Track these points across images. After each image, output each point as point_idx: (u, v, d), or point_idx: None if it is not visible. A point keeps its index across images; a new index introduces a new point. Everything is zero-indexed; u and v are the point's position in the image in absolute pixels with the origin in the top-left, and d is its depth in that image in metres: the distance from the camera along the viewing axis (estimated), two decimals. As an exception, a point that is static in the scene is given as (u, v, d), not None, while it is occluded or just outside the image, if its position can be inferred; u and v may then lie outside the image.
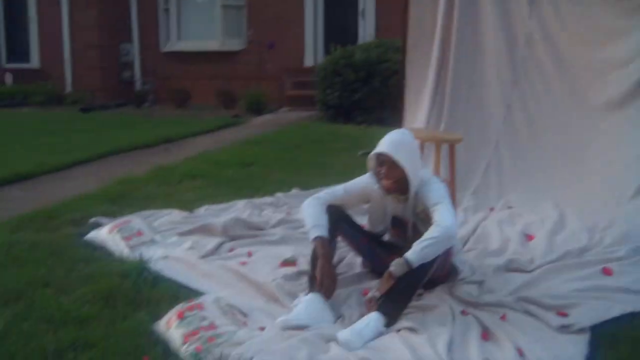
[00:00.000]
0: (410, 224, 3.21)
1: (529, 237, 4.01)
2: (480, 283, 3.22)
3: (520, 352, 2.50)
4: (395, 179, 3.08)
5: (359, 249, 3.47)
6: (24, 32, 14.61)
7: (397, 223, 3.31)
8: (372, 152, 3.14)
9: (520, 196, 4.72)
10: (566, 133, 4.83)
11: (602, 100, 4.70)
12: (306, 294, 2.99)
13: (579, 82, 4.86)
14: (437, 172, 4.20)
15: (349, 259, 3.61)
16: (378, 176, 3.16)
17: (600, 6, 4.71)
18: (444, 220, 2.90)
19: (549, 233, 3.99)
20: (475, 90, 5.33)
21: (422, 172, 3.17)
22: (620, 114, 4.59)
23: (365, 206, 3.51)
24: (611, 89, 4.66)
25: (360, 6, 12.61)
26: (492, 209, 4.61)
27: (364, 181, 3.32)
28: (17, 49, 14.78)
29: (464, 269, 3.34)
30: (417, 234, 3.03)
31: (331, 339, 2.65)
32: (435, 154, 4.35)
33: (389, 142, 3.08)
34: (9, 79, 14.44)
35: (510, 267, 3.48)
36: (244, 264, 3.57)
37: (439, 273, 3.09)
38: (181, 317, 2.76)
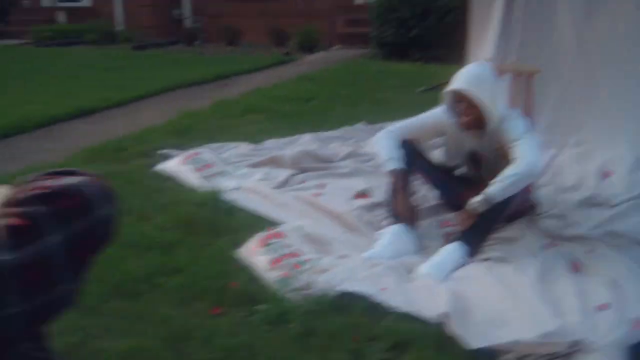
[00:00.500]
0: (487, 160, 3.13)
1: (606, 174, 3.89)
2: (562, 217, 3.15)
3: (613, 283, 2.45)
4: (473, 115, 2.96)
5: (434, 183, 3.42)
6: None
7: (474, 158, 3.23)
8: (450, 88, 3.02)
9: (594, 135, 4.57)
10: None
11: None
12: (388, 225, 2.98)
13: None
14: (515, 105, 4.08)
15: (424, 192, 3.57)
16: (455, 113, 3.05)
17: None
18: (527, 155, 2.81)
19: (628, 170, 3.86)
20: (547, 24, 5.11)
21: (501, 106, 3.05)
22: None
23: (440, 140, 3.44)
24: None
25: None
26: (564, 146, 4.48)
27: (438, 115, 3.21)
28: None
29: (543, 203, 3.27)
30: (494, 169, 2.96)
31: (415, 269, 2.65)
32: (513, 86, 4.22)
33: (468, 77, 2.95)
34: (62, 17, 14.53)
35: (592, 202, 3.40)
36: (318, 195, 3.57)
37: (519, 207, 3.04)
38: (264, 244, 2.78)
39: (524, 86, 4.29)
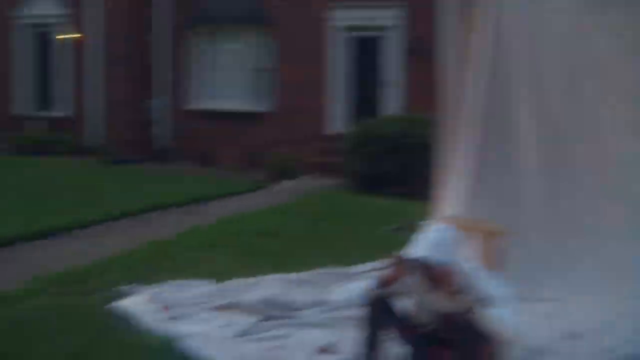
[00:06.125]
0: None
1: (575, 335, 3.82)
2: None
3: None
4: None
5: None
6: (57, 81, 14.89)
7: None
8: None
9: (561, 288, 4.53)
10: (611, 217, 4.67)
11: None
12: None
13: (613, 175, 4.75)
14: (486, 263, 4.07)
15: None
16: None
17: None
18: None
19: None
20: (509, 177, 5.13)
21: (468, 268, 3.08)
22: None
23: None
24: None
25: (387, 76, 12.72)
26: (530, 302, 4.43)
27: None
28: (49, 98, 15.02)
29: None
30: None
31: None
32: (483, 244, 4.20)
33: (428, 245, 3.01)
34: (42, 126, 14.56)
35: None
36: (278, 347, 3.43)
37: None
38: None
39: (491, 245, 4.29)
